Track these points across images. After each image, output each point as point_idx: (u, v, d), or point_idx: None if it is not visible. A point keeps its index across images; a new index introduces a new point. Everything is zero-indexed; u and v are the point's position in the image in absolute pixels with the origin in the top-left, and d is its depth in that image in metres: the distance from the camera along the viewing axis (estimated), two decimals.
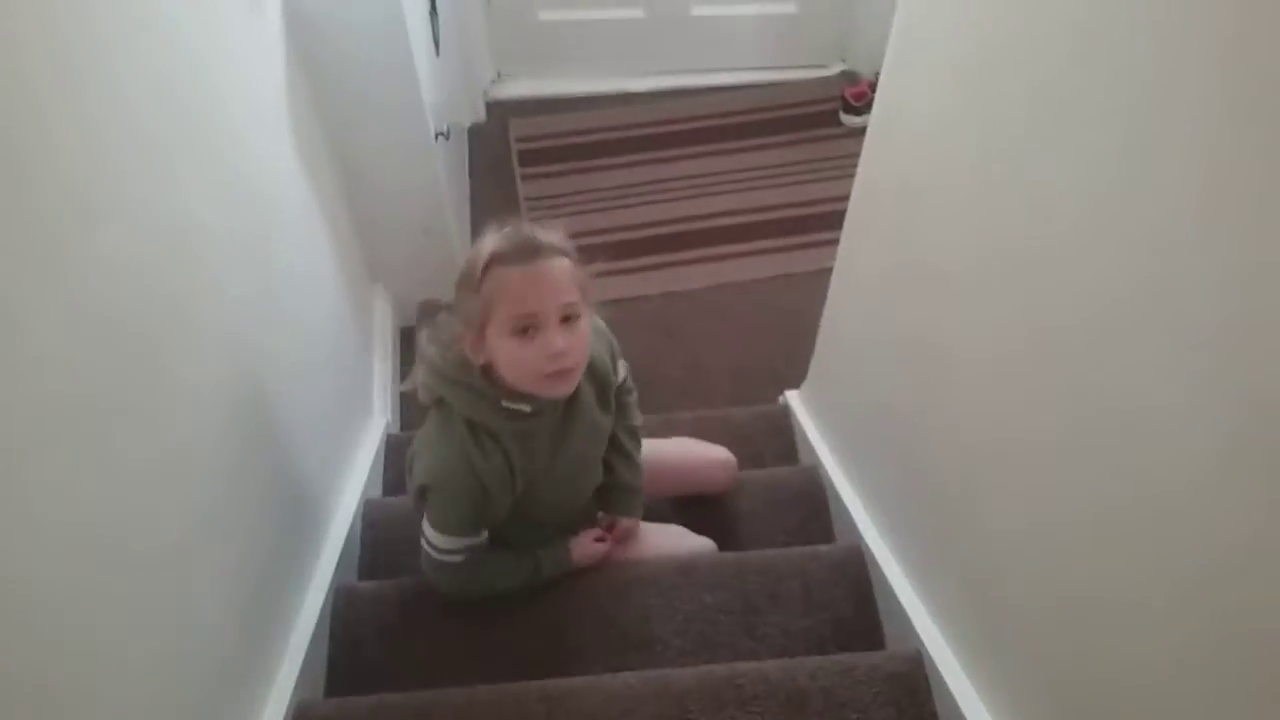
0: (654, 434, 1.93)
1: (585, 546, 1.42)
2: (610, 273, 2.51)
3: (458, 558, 1.25)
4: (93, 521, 0.78)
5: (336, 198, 1.85)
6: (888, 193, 1.35)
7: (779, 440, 2.00)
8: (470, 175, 2.81)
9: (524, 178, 2.83)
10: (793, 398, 2.04)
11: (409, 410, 2.08)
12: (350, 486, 1.67)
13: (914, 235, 1.24)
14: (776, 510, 1.71)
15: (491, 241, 1.10)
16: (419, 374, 1.21)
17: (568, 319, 1.11)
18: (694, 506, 1.68)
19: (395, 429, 2.04)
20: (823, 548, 1.52)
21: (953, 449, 1.19)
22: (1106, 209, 0.77)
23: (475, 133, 2.95)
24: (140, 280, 0.90)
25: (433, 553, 1.26)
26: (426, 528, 1.25)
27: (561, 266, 1.10)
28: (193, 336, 1.03)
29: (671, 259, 2.62)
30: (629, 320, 2.48)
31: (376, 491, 1.81)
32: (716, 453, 1.68)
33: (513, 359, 1.11)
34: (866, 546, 1.48)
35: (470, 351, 1.14)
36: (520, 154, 2.90)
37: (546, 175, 2.84)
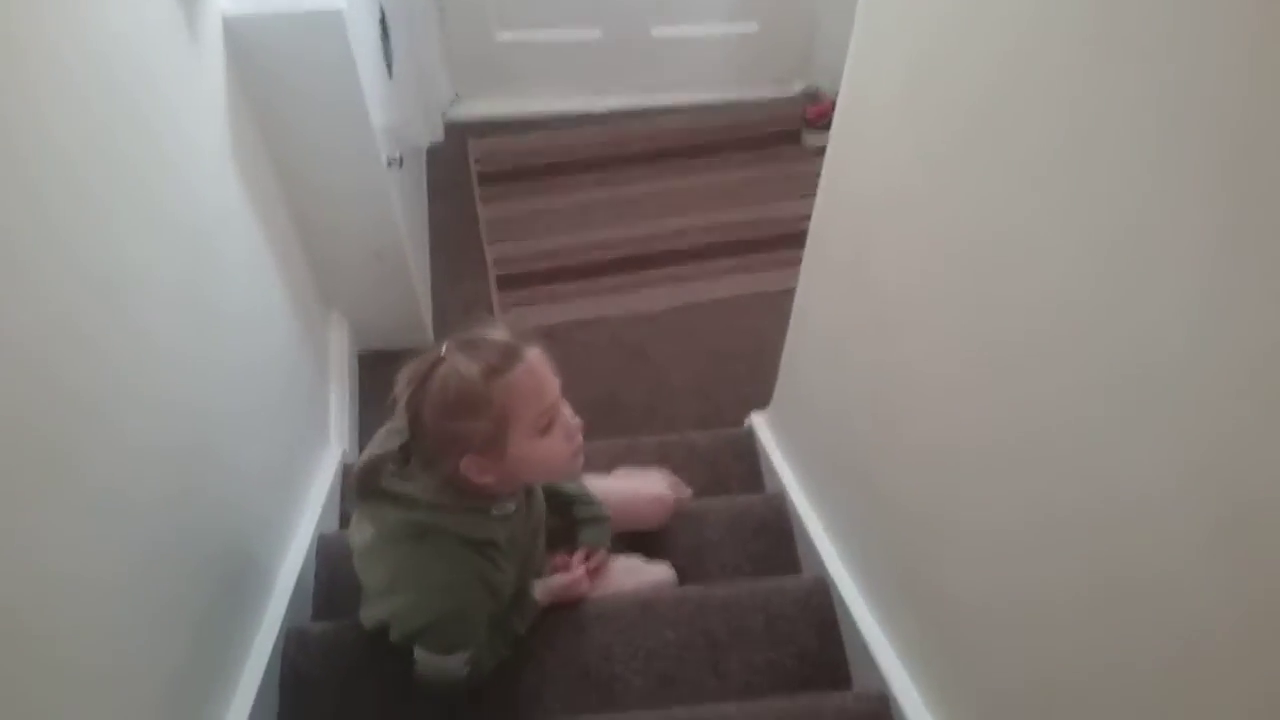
0: (617, 459, 1.92)
1: (565, 587, 1.40)
2: (573, 295, 2.51)
3: (466, 669, 1.23)
4: (16, 568, 0.76)
5: (286, 227, 1.81)
6: (839, 245, 1.34)
7: (744, 465, 1.99)
8: (429, 197, 2.78)
9: (483, 199, 2.80)
10: (758, 421, 2.02)
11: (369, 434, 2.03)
12: (304, 521, 1.63)
13: (871, 285, 1.23)
14: (741, 539, 1.69)
15: (468, 362, 1.06)
16: (389, 512, 1.15)
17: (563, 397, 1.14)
18: (654, 536, 1.66)
19: (354, 457, 2.00)
20: (787, 580, 1.51)
21: (913, 497, 1.18)
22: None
23: (434, 154, 2.92)
24: (71, 331, 0.87)
25: (442, 675, 1.22)
26: (431, 658, 1.20)
27: (540, 353, 1.12)
28: (127, 383, 1.00)
29: (634, 280, 2.61)
30: (593, 342, 2.48)
31: (332, 524, 1.77)
32: (655, 490, 1.67)
33: (546, 455, 1.12)
34: (831, 578, 1.46)
35: (476, 474, 1.10)
36: (479, 175, 2.87)
37: (506, 197, 2.82)
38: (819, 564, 1.53)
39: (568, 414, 1.14)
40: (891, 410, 1.21)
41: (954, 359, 0.99)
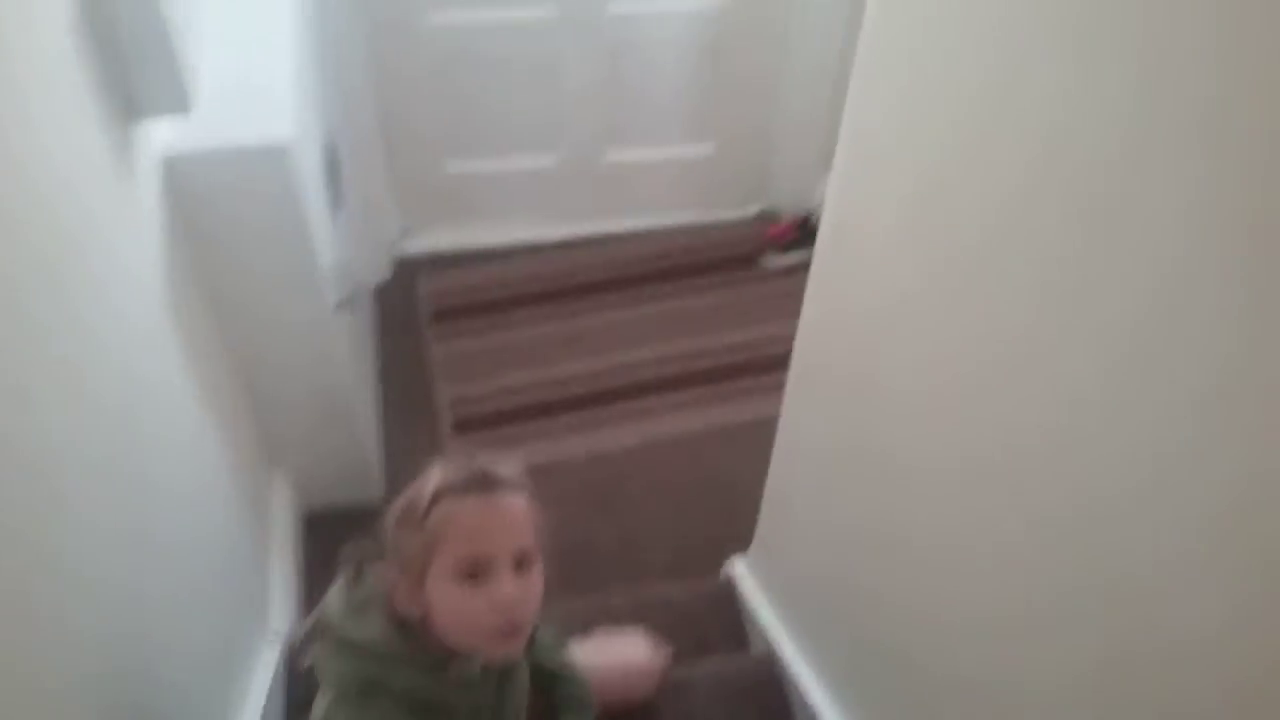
0: (591, 620, 1.78)
1: None
2: (531, 436, 2.40)
3: None
4: None
5: (227, 382, 1.70)
6: (833, 378, 1.27)
7: (725, 618, 1.87)
8: (378, 336, 2.69)
9: (434, 337, 2.71)
10: (738, 567, 1.91)
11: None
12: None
13: (869, 427, 1.16)
14: (731, 709, 1.57)
15: (440, 473, 1.00)
16: (336, 662, 1.03)
17: (521, 565, 1.00)
18: (635, 711, 1.52)
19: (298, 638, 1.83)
20: None
21: (931, 647, 1.08)
22: (1102, 410, 0.72)
23: (381, 291, 2.84)
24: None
25: None
26: None
27: (519, 504, 1.01)
28: (54, 566, 0.89)
29: (596, 416, 2.52)
30: (553, 487, 2.31)
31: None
32: (639, 658, 1.55)
33: (456, 608, 0.98)
34: None
35: (403, 601, 1.00)
36: (430, 312, 2.79)
37: (458, 334, 2.73)
38: None
39: (507, 586, 0.97)
40: (897, 538, 1.12)
41: (968, 472, 0.93)
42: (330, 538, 1.10)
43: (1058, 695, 0.85)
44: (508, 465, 1.03)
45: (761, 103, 2.92)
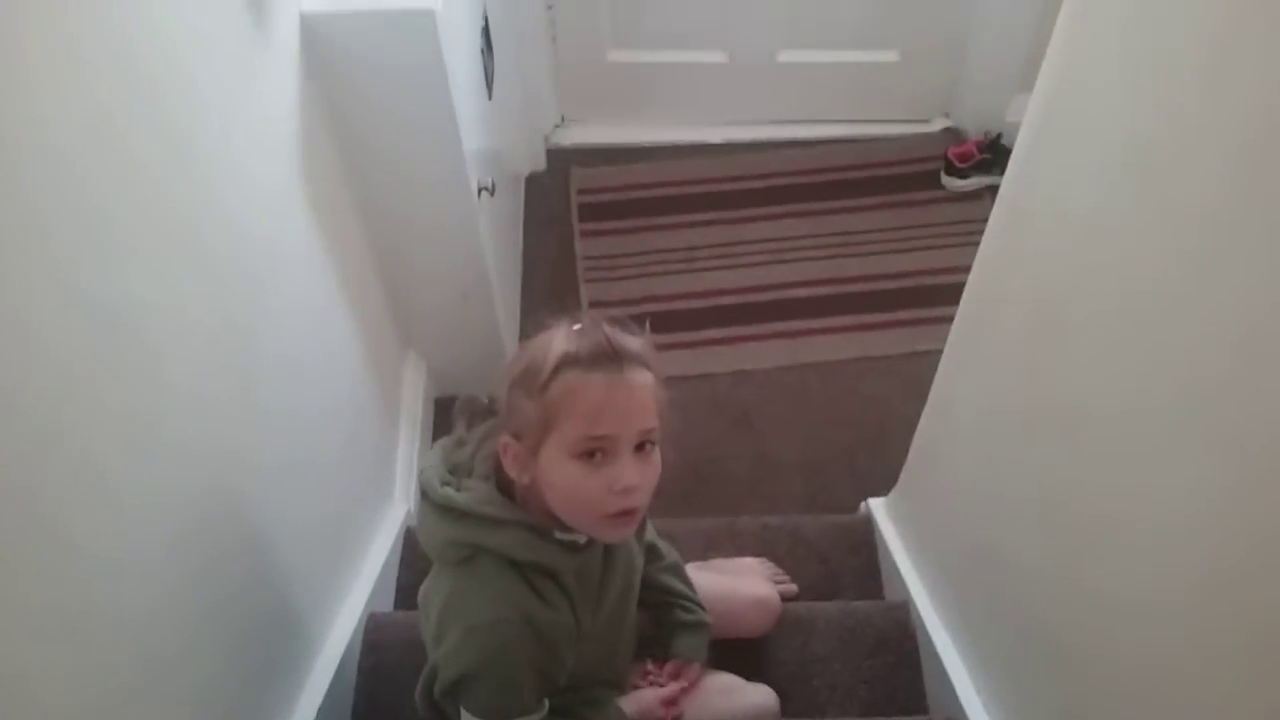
0: (713, 542, 1.74)
1: (647, 705, 1.22)
2: (673, 345, 2.35)
3: None
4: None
5: (363, 259, 1.70)
6: (1015, 308, 1.13)
7: (859, 559, 1.78)
8: (525, 228, 2.67)
9: (583, 234, 2.67)
10: (877, 508, 1.82)
11: None
12: (353, 597, 1.49)
13: (1053, 369, 1.03)
14: (855, 655, 1.49)
15: (564, 338, 0.95)
16: (437, 528, 1.01)
17: (642, 447, 0.95)
18: (752, 646, 1.47)
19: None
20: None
21: (1089, 630, 0.97)
22: None
23: (533, 182, 2.81)
24: (77, 386, 0.77)
25: None
26: None
27: (646, 382, 0.96)
28: (145, 447, 0.88)
29: (742, 333, 2.44)
30: (691, 401, 2.31)
31: (388, 599, 1.62)
32: (759, 591, 1.50)
33: (570, 486, 0.95)
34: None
35: (512, 466, 0.97)
36: (580, 208, 2.74)
37: (608, 232, 2.68)
38: (952, 700, 1.32)
39: (629, 471, 0.94)
40: (1078, 534, 1.00)
41: (1168, 433, 0.80)
42: None
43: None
44: (635, 339, 0.98)
45: (958, 7, 2.69)
